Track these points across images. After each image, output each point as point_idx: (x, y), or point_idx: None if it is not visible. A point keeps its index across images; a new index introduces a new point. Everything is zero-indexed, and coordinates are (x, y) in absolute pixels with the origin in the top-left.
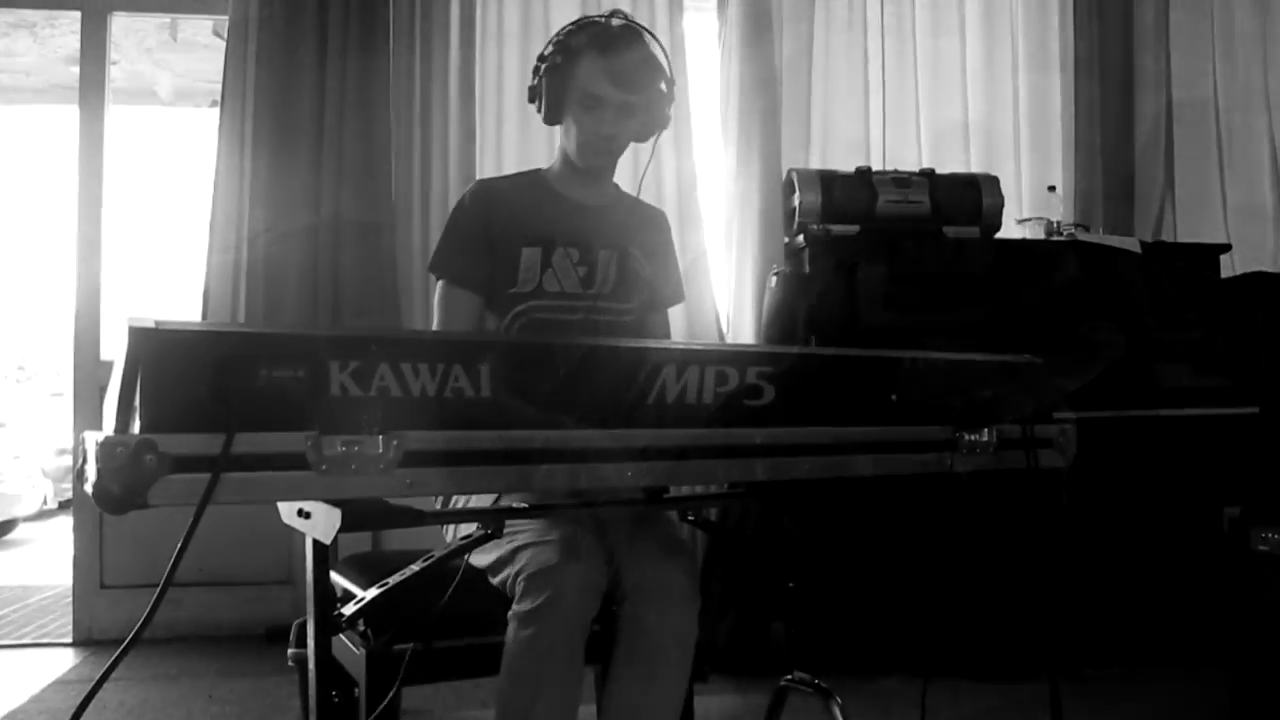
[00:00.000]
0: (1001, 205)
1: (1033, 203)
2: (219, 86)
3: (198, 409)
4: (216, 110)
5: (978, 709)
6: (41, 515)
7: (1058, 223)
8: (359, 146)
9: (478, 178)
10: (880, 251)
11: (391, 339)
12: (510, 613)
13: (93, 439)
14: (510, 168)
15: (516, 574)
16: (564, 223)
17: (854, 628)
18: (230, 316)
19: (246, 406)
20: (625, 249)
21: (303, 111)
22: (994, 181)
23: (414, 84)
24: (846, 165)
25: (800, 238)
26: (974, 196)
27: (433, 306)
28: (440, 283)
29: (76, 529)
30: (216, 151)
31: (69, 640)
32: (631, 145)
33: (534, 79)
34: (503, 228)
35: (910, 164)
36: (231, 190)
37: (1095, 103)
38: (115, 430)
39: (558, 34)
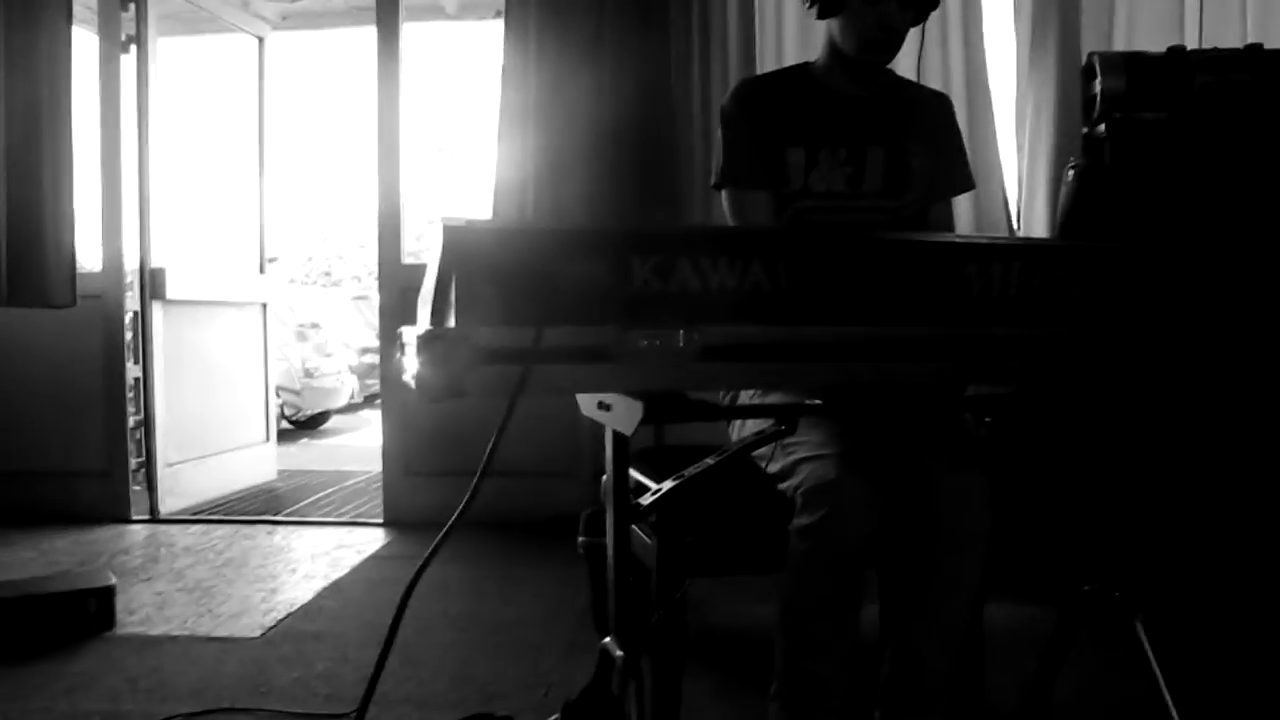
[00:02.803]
0: None
1: None
2: None
3: (508, 303)
4: (500, 21)
5: None
6: (349, 408)
7: None
8: (637, 50)
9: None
10: (1196, 139)
11: (691, 233)
12: (791, 525)
13: (411, 333)
14: None
15: (796, 487)
16: (830, 120)
17: (1154, 548)
18: (518, 219)
19: (553, 301)
20: (898, 143)
21: (583, 18)
22: None
23: None
24: (1156, 46)
25: (1101, 127)
26: None
27: (726, 217)
28: (726, 192)
29: (385, 421)
30: (502, 60)
31: (380, 520)
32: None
33: None
34: (766, 127)
35: (1232, 41)
36: (516, 97)
37: None
38: (431, 324)
39: None
